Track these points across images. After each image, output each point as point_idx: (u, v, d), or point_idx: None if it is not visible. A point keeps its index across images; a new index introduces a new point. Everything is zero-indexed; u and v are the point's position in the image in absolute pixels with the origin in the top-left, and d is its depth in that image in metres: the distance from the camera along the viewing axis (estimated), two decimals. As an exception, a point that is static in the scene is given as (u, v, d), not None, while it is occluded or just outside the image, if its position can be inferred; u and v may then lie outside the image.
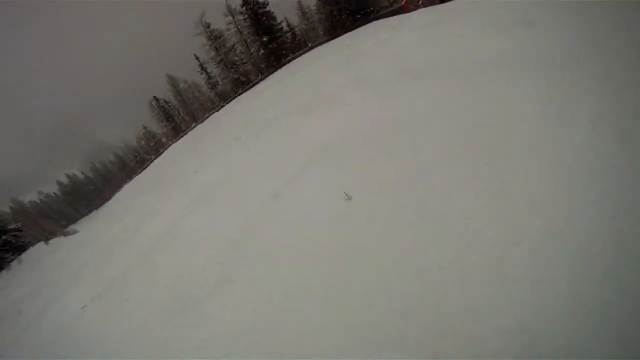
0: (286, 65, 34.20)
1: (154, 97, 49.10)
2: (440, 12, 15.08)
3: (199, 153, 19.07)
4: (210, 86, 44.28)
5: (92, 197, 79.25)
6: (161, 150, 43.68)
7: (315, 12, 39.24)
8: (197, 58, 43.12)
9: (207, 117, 37.73)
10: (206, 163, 14.69)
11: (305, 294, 4.29)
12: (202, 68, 43.67)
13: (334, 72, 14.84)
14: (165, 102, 49.02)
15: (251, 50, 38.99)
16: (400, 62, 10.82)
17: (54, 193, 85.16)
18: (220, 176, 11.10)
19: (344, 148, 7.32)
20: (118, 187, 50.45)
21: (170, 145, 41.57)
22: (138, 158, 56.28)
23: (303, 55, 33.38)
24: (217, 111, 36.90)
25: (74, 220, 67.04)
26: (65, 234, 25.04)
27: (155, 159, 42.41)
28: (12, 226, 25.91)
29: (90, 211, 67.80)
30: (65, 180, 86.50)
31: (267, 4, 36.82)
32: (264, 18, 36.67)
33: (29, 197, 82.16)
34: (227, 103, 36.96)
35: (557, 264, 3.08)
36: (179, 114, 48.28)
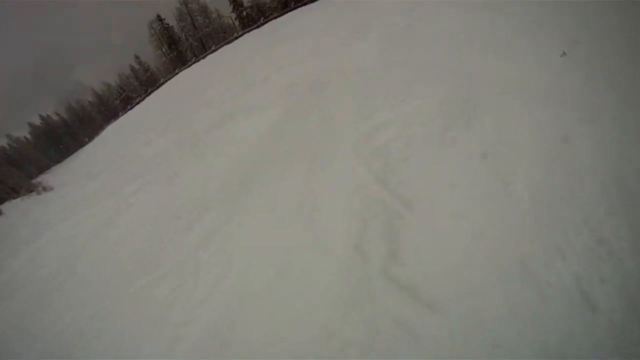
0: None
1: (158, 16, 37.96)
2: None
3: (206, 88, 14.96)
4: (234, 5, 32.57)
5: (67, 141, 70.99)
6: (156, 85, 32.28)
7: None
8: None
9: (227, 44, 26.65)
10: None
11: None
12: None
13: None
14: (167, 25, 37.67)
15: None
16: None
17: (25, 137, 75.28)
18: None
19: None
20: (96, 131, 42.71)
21: (169, 78, 30.36)
22: (123, 96, 44.38)
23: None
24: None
25: (45, 168, 59.74)
26: (39, 192, 20.83)
27: (146, 96, 31.43)
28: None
29: (65, 158, 59.65)
30: (38, 122, 76.13)
31: None
32: None
33: (-3, 142, 73.03)
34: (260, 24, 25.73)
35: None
36: (187, 40, 36.98)
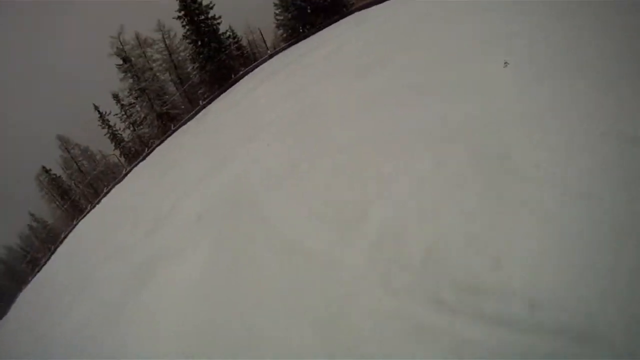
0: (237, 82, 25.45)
1: (43, 167, 37.22)
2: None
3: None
4: (115, 142, 33.43)
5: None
6: (58, 241, 31.44)
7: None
8: (96, 108, 32.65)
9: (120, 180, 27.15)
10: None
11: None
12: (104, 120, 33.06)
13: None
14: (55, 175, 37.33)
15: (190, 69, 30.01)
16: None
17: (-60, 324, 65.49)
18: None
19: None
20: (9, 302, 38.26)
21: (70, 231, 29.86)
22: (29, 258, 42.08)
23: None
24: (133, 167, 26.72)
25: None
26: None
27: (51, 255, 30.39)
28: None
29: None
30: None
31: (212, 7, 26.88)
32: (205, 25, 27.35)
33: None
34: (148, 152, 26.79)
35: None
36: (77, 187, 36.72)
